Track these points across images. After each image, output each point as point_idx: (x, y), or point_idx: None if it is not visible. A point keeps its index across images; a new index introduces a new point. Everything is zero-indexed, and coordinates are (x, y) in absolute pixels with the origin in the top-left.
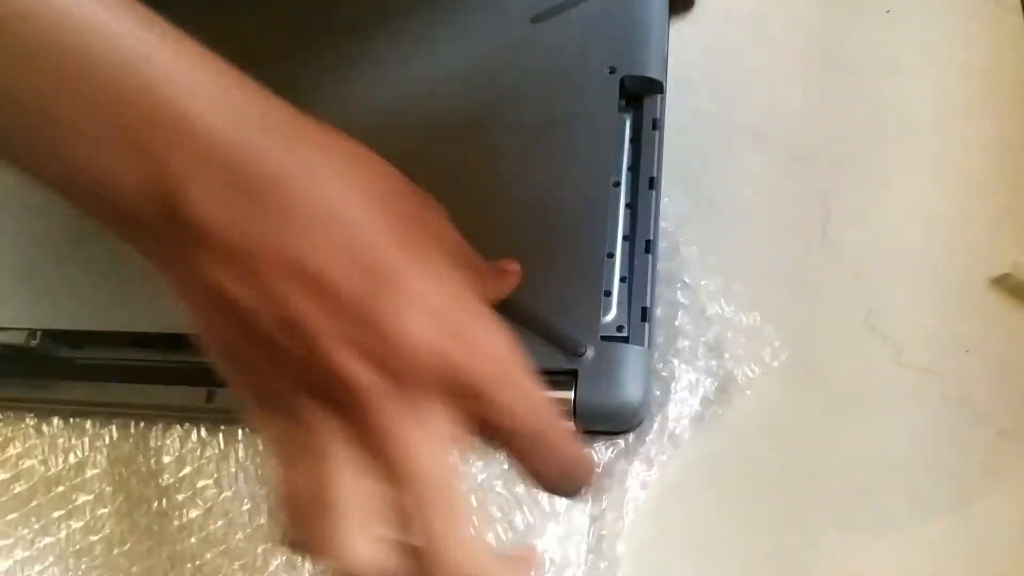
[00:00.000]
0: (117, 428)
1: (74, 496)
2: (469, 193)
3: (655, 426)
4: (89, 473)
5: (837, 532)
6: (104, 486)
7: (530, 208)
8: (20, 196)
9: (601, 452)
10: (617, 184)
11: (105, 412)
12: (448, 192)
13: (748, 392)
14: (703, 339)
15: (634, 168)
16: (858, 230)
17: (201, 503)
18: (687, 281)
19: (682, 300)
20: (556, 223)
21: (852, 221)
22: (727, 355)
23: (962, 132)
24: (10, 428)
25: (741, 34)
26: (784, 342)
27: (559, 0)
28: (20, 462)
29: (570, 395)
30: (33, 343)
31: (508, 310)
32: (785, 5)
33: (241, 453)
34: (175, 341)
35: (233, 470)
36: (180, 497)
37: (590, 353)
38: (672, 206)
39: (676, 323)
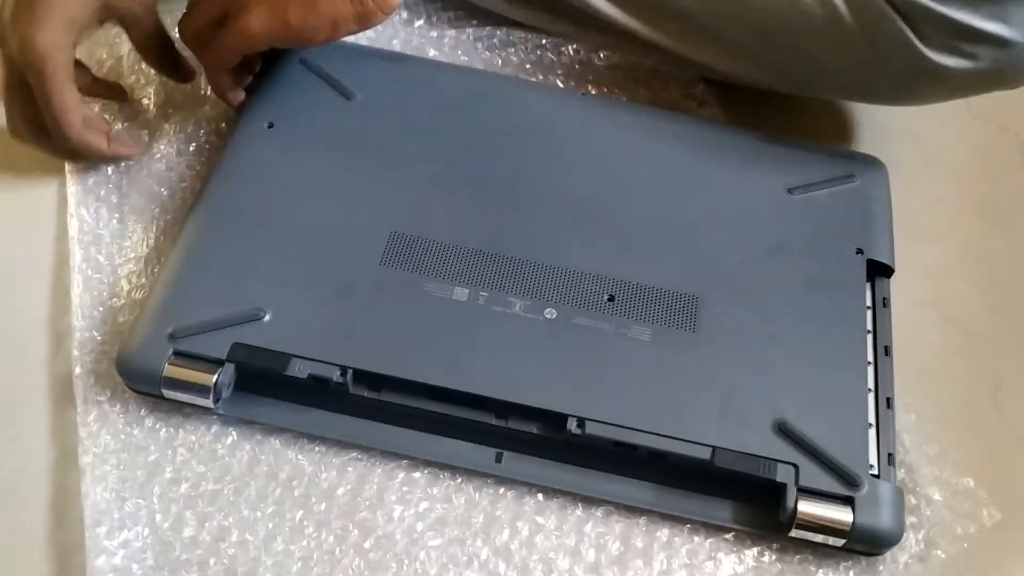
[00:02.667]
0: (402, 469)
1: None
2: (740, 325)
3: (887, 559)
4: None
5: None
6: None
7: (795, 350)
8: (326, 239)
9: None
10: None
11: (390, 454)
12: (722, 322)
13: (965, 544)
14: (924, 494)
15: (872, 332)
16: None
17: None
18: (906, 444)
19: (902, 459)
20: (820, 367)
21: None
22: (946, 511)
23: None
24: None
25: (920, 229)
26: (998, 506)
27: (811, 179)
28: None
29: (848, 519)
30: (340, 379)
31: (792, 436)
32: (953, 214)
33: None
34: (473, 401)
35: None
36: None
37: (865, 486)
38: None
39: (899, 478)
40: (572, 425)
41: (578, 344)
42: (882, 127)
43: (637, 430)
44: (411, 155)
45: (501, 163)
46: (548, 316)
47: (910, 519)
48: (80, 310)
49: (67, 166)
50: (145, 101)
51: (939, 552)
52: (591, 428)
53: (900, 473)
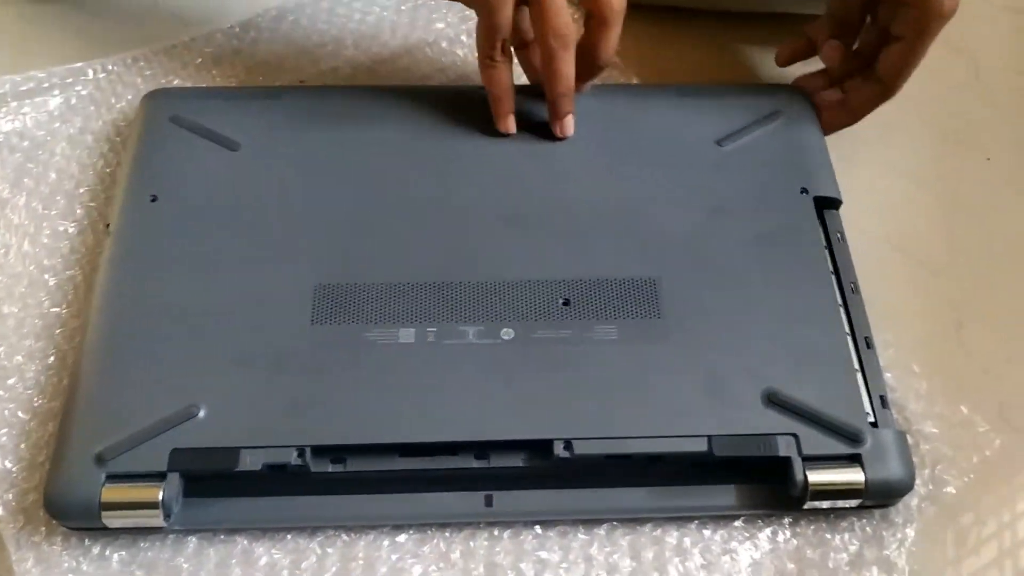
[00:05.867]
0: (386, 535)
1: None
2: (704, 300)
3: (900, 507)
4: None
5: None
6: None
7: (763, 311)
8: (247, 310)
9: (861, 523)
10: None
11: (370, 525)
12: (685, 301)
13: (971, 476)
14: (919, 431)
15: (834, 274)
16: (986, 334)
17: None
18: (891, 382)
19: (891, 399)
20: (792, 324)
21: (980, 325)
22: (945, 446)
23: None
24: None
25: (874, 160)
26: (993, 430)
27: (737, 125)
28: None
29: (860, 477)
30: (299, 460)
31: (784, 405)
32: (904, 140)
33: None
34: (448, 448)
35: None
36: None
37: (869, 439)
38: None
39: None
40: (559, 449)
41: (544, 360)
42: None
43: (627, 438)
44: (315, 197)
45: (414, 183)
46: (505, 337)
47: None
48: None
49: None
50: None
51: (949, 489)
52: (580, 448)
53: (891, 408)
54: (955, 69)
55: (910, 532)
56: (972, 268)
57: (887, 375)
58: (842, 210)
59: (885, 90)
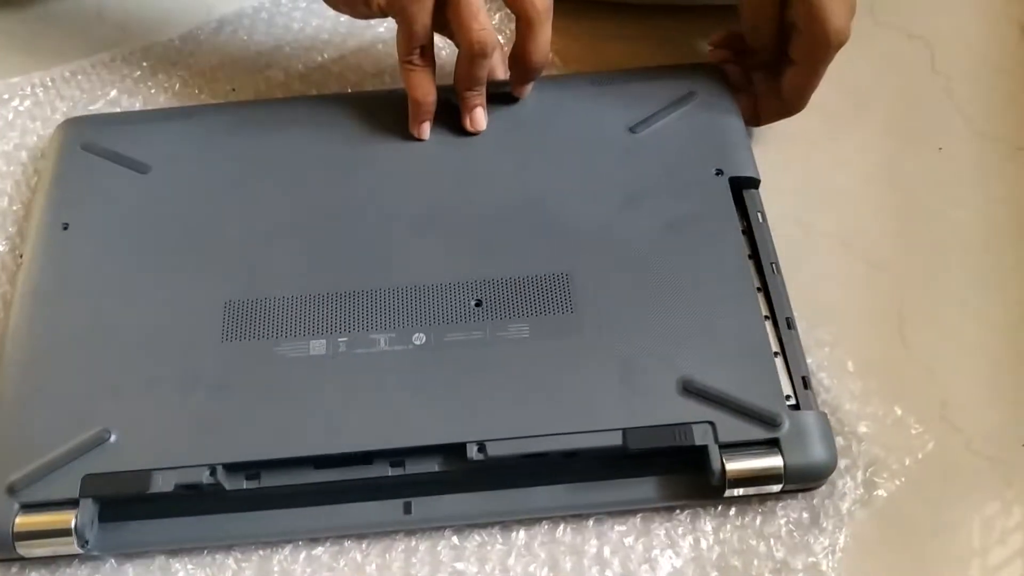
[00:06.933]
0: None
1: None
2: (618, 291)
3: (829, 511)
4: None
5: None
6: None
7: (678, 299)
8: (157, 332)
9: (788, 528)
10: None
11: (289, 539)
12: (598, 294)
13: (903, 479)
14: (852, 432)
15: (753, 256)
16: (929, 331)
17: None
18: (825, 383)
19: (824, 399)
20: (708, 310)
21: (923, 322)
22: (878, 448)
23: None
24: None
25: (822, 153)
26: (928, 431)
27: (650, 110)
28: None
29: (779, 462)
30: (211, 478)
31: (700, 393)
32: (852, 129)
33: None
34: (362, 457)
35: None
36: None
37: (786, 423)
38: None
39: (820, 400)
40: (473, 452)
41: (456, 362)
42: None
43: (540, 436)
44: (223, 213)
45: (322, 191)
46: (417, 342)
47: (843, 461)
48: None
49: None
50: None
51: (880, 492)
52: (493, 449)
53: (824, 409)
54: (909, 55)
55: (839, 537)
56: (918, 262)
57: (821, 375)
58: (783, 203)
59: (786, 107)
